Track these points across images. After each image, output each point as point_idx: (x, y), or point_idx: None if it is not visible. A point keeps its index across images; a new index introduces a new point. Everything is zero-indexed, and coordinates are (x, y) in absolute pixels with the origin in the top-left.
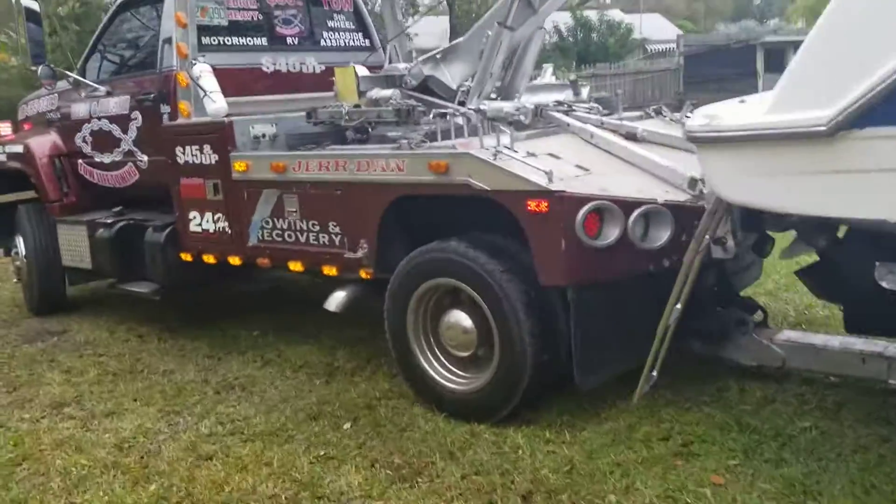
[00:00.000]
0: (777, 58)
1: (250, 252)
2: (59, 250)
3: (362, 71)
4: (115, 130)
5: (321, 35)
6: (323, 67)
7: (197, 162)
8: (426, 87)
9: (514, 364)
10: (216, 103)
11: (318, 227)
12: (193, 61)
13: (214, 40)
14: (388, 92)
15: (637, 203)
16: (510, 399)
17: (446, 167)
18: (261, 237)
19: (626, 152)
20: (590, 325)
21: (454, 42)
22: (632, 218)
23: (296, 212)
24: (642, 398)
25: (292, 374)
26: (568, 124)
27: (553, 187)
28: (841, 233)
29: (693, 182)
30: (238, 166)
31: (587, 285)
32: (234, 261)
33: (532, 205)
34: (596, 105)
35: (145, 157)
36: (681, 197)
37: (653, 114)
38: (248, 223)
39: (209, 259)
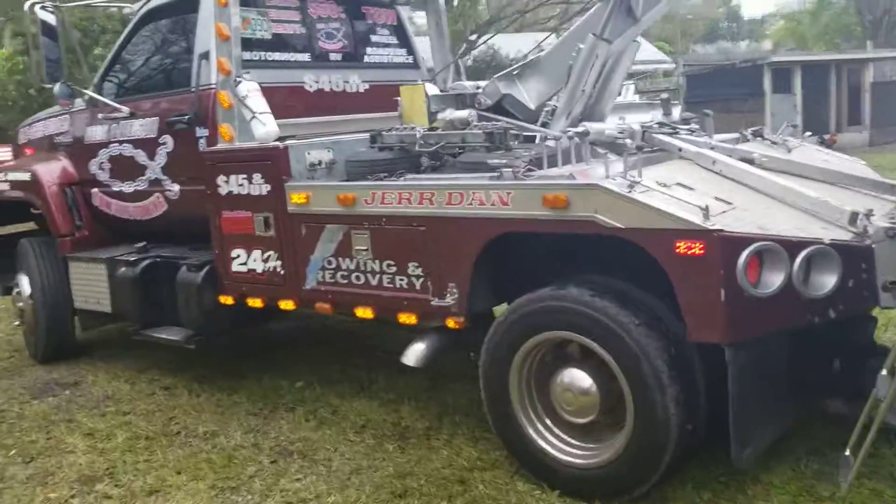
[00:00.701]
0: (784, 78)
1: (308, 296)
2: (70, 291)
3: (432, 90)
4: (140, 156)
5: (364, 51)
6: (367, 86)
7: (244, 193)
8: (500, 107)
9: (654, 435)
10: (266, 126)
11: (394, 269)
12: (238, 79)
13: (256, 55)
14: (463, 113)
15: (802, 244)
16: (647, 476)
17: (566, 201)
18: (321, 279)
19: (762, 182)
20: (747, 389)
21: (533, 57)
22: (797, 261)
23: (367, 250)
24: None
25: (356, 437)
26: (680, 149)
27: (710, 225)
28: None
29: (854, 217)
30: (296, 198)
31: (745, 342)
32: (287, 305)
33: (682, 247)
34: (697, 126)
35: (176, 187)
36: (842, 235)
37: (751, 136)
38: (305, 263)
39: (255, 303)
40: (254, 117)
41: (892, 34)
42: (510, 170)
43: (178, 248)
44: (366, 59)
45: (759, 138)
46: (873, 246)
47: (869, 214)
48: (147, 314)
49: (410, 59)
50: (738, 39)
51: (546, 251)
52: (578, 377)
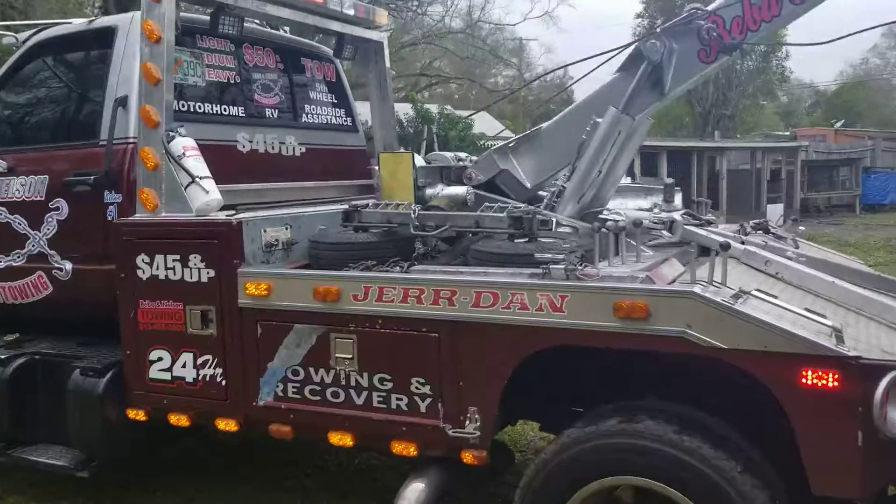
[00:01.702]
0: (650, 162)
1: (260, 414)
2: None
3: (419, 160)
4: (18, 223)
5: (302, 108)
6: (303, 149)
7: (174, 278)
8: (493, 184)
9: None
10: (209, 194)
11: (390, 385)
12: (171, 132)
13: (184, 105)
14: (460, 190)
15: None
16: None
17: (647, 311)
18: (281, 394)
19: (833, 289)
20: None
21: (532, 130)
22: None
23: (351, 360)
24: None
25: None
26: (722, 245)
27: (847, 351)
28: None
29: None
30: (252, 288)
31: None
32: (227, 426)
33: (810, 377)
34: (713, 217)
35: (68, 265)
36: None
37: (751, 229)
38: (260, 372)
39: (179, 421)
40: (192, 182)
41: (718, 125)
42: (561, 266)
43: (63, 343)
44: (304, 118)
45: (759, 231)
46: None
47: None
48: (19, 429)
49: (349, 122)
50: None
51: (589, 365)
52: None
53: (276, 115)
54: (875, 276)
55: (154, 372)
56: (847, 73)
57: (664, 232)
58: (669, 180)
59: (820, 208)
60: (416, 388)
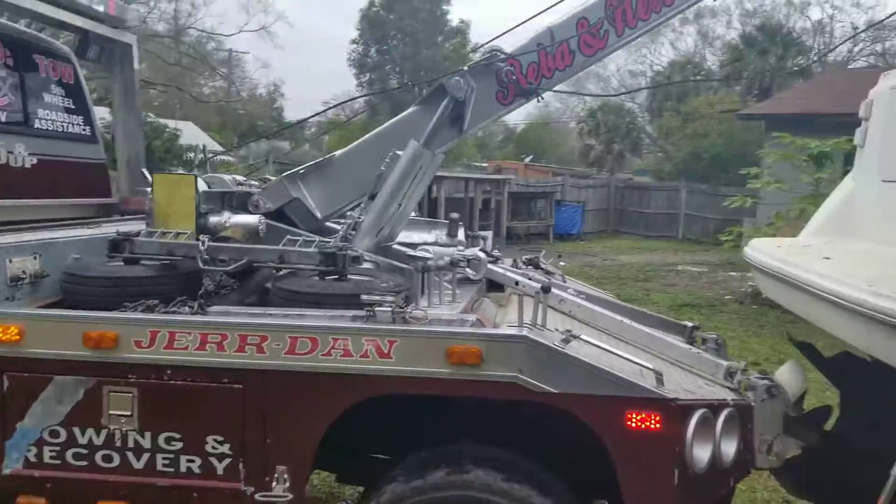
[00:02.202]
0: None
1: (3, 485)
2: None
3: (202, 184)
4: None
5: (34, 113)
6: (34, 160)
7: None
8: (281, 213)
9: None
10: None
11: (179, 445)
12: None
13: None
14: (252, 219)
15: (721, 406)
16: None
17: (479, 356)
18: (34, 459)
19: (622, 327)
20: None
21: (325, 158)
22: (718, 427)
23: (130, 417)
24: None
25: None
26: (517, 282)
27: (667, 393)
28: None
29: (731, 373)
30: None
31: None
32: None
33: (634, 419)
34: (499, 253)
35: None
36: (723, 392)
37: (523, 265)
38: (6, 433)
39: None
40: None
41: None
42: (388, 308)
43: None
44: (35, 124)
45: (530, 267)
46: (753, 404)
47: (744, 370)
48: None
49: (88, 131)
50: (280, 139)
51: (404, 410)
52: None
53: (2, 119)
54: (637, 312)
55: None
56: (533, 113)
57: (467, 270)
58: (455, 215)
59: (520, 236)
60: (213, 447)
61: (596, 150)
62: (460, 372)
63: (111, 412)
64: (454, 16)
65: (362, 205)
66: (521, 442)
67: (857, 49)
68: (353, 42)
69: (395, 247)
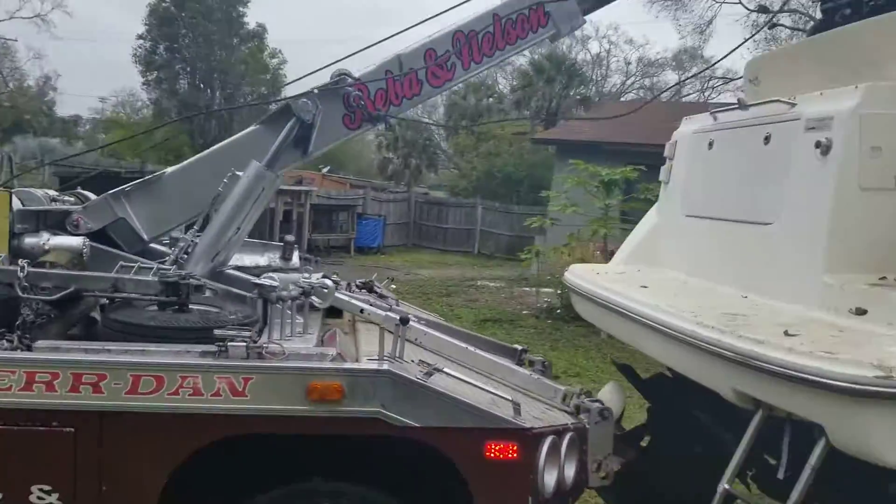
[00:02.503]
0: None
1: None
2: None
3: (16, 201)
4: None
5: None
6: None
7: None
8: (103, 233)
9: None
10: None
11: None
12: None
13: None
14: (75, 241)
15: (564, 431)
16: None
17: (341, 392)
18: None
19: (466, 355)
20: None
21: (154, 174)
22: (563, 451)
23: None
24: None
25: None
26: (362, 310)
27: (523, 423)
28: None
29: (567, 397)
30: None
31: None
32: None
33: (493, 450)
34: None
35: None
36: (563, 417)
37: (356, 289)
38: None
39: None
40: None
41: None
42: (241, 343)
43: None
44: None
45: (364, 290)
46: (588, 427)
47: (580, 394)
48: None
49: None
50: (51, 136)
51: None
52: None
53: None
54: (472, 336)
55: None
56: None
57: (313, 298)
58: (290, 237)
59: (321, 249)
60: (39, 497)
61: (394, 163)
62: (321, 409)
63: None
64: (251, 19)
65: (195, 226)
66: (377, 476)
67: (629, 82)
68: (140, 38)
69: (233, 272)
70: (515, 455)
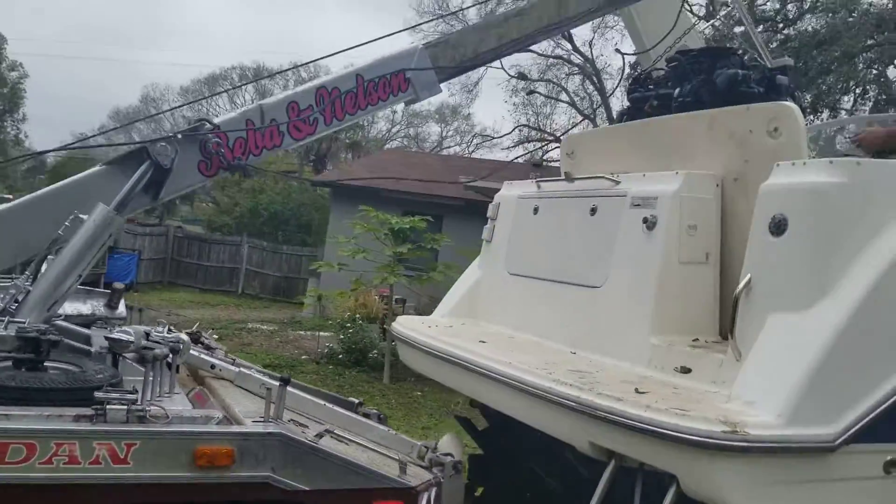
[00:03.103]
0: None
1: None
2: None
3: None
4: None
5: None
6: None
7: None
8: None
9: None
10: None
11: None
12: None
13: None
14: None
15: (432, 485)
16: None
17: (231, 456)
18: None
19: (326, 412)
20: None
21: None
22: None
23: None
24: None
25: None
26: (213, 366)
27: (410, 480)
28: None
29: (423, 452)
30: None
31: None
32: None
33: None
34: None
35: None
36: (424, 473)
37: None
38: None
39: None
40: None
41: None
42: (122, 406)
43: None
44: None
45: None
46: (442, 481)
47: (433, 448)
48: None
49: None
50: None
51: None
52: None
53: None
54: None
55: None
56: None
57: (168, 354)
58: (119, 284)
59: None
60: None
61: None
62: (210, 475)
63: None
64: None
65: (27, 271)
66: None
67: (394, 130)
68: None
69: (63, 324)
70: None
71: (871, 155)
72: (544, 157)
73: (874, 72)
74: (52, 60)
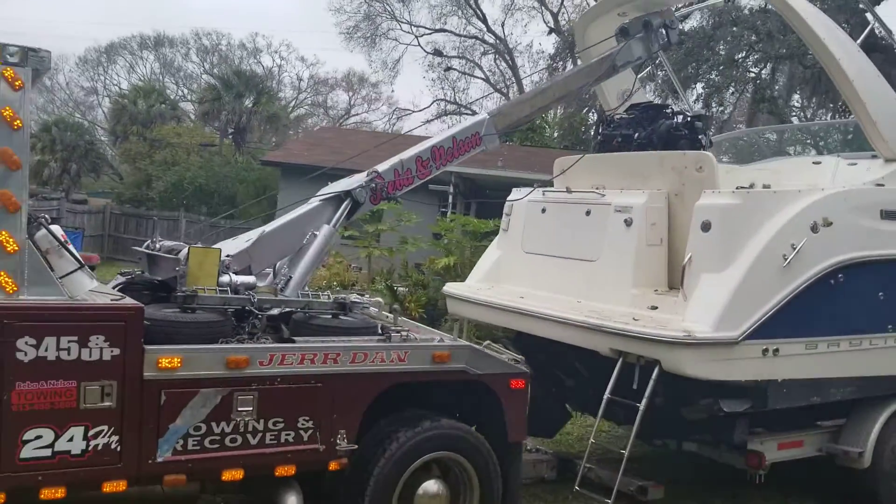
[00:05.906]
0: None
1: (155, 469)
2: None
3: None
4: None
5: None
6: None
7: (68, 359)
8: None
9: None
10: (93, 280)
11: (281, 425)
12: (40, 219)
13: None
14: (249, 279)
15: None
16: None
17: (449, 357)
18: (181, 448)
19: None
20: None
21: (260, 235)
22: None
23: (251, 411)
24: None
25: None
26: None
27: (525, 368)
28: None
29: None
30: (165, 362)
31: None
32: (114, 486)
33: (515, 383)
34: None
35: None
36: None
37: None
38: (160, 433)
39: (54, 494)
40: (79, 268)
41: None
42: (399, 334)
43: None
44: None
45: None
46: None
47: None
48: None
49: None
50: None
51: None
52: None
53: None
54: None
55: (28, 451)
56: None
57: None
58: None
59: None
60: (302, 424)
61: (51, 167)
62: (438, 367)
63: (238, 409)
64: None
65: (285, 266)
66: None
67: (301, 97)
68: None
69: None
70: (523, 385)
71: None
72: None
73: (751, 74)
74: None
